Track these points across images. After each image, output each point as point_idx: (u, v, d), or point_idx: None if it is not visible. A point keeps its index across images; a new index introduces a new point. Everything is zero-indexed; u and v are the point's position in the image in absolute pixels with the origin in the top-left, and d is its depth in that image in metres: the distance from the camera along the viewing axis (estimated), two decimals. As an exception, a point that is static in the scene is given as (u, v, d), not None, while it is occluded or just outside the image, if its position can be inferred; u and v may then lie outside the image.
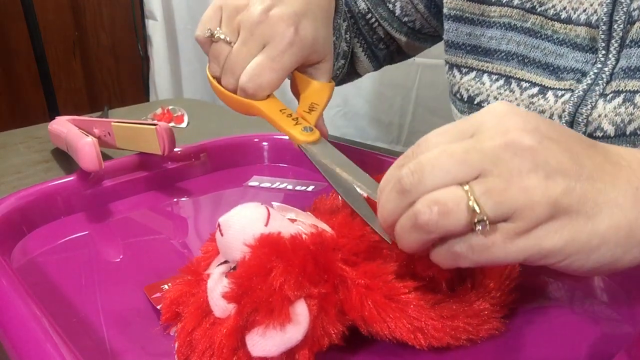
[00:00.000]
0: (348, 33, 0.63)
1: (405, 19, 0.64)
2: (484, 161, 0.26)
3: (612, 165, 0.28)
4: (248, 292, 0.27)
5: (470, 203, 0.25)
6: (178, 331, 0.30)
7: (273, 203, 0.34)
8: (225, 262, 0.31)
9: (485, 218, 0.25)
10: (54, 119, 0.68)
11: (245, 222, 0.30)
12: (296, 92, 0.50)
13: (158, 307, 0.34)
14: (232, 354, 0.28)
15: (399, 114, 1.30)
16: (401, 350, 0.30)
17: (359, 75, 0.70)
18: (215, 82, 0.49)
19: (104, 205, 0.52)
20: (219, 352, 0.27)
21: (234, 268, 0.30)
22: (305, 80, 0.49)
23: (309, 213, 0.35)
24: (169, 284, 0.36)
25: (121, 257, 0.44)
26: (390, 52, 0.69)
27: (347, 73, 0.67)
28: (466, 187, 0.26)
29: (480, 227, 0.26)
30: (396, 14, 0.64)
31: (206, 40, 0.47)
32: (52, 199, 0.49)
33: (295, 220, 0.33)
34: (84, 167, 0.50)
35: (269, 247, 0.29)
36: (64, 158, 0.68)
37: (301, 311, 0.27)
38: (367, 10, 0.64)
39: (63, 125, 0.61)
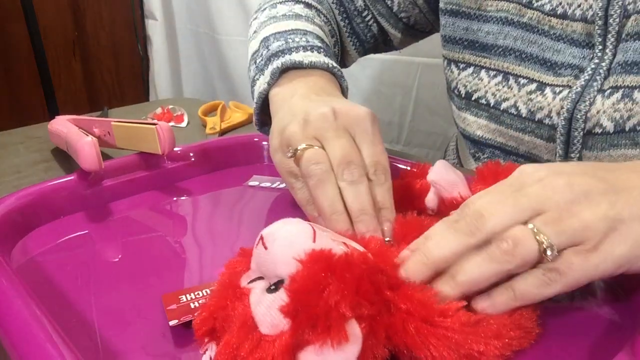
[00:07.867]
0: (336, 46, 0.64)
1: (402, 14, 0.65)
2: (532, 203, 0.30)
3: (637, 174, 0.32)
4: (305, 308, 0.26)
5: (536, 234, 0.29)
6: (221, 347, 0.28)
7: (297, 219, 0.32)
8: (259, 278, 0.30)
9: (552, 244, 0.29)
10: (53, 118, 0.68)
11: (293, 236, 0.29)
12: None
13: (171, 323, 0.32)
14: None
15: (398, 114, 1.29)
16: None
17: (344, 67, 0.71)
18: None
19: (104, 205, 0.52)
20: None
21: (278, 283, 0.28)
22: None
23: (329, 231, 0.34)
24: (187, 295, 0.35)
25: (121, 256, 0.44)
26: (377, 44, 0.70)
27: None
28: (530, 225, 0.29)
29: (549, 253, 0.29)
30: (393, 10, 0.64)
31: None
32: (52, 199, 0.49)
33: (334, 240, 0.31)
34: (84, 167, 0.50)
35: (323, 263, 0.28)
36: (64, 158, 0.68)
37: (355, 331, 0.26)
38: (364, 7, 0.65)
39: (63, 125, 0.61)
